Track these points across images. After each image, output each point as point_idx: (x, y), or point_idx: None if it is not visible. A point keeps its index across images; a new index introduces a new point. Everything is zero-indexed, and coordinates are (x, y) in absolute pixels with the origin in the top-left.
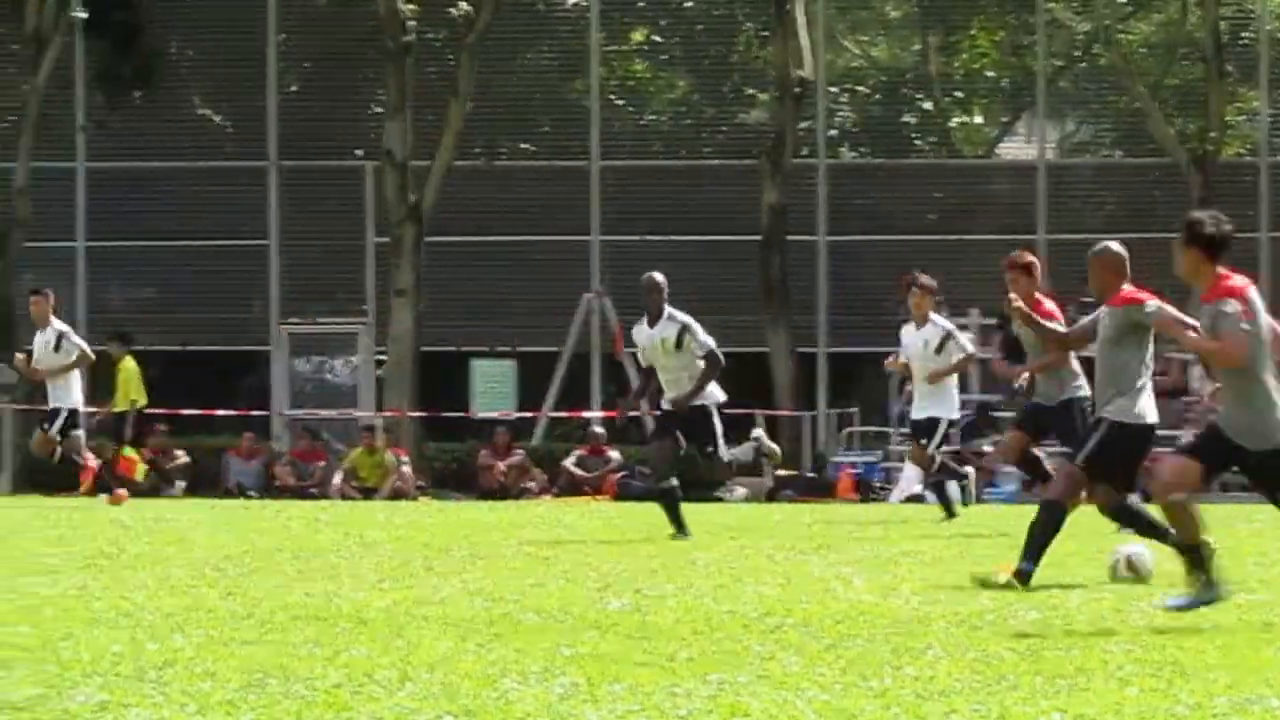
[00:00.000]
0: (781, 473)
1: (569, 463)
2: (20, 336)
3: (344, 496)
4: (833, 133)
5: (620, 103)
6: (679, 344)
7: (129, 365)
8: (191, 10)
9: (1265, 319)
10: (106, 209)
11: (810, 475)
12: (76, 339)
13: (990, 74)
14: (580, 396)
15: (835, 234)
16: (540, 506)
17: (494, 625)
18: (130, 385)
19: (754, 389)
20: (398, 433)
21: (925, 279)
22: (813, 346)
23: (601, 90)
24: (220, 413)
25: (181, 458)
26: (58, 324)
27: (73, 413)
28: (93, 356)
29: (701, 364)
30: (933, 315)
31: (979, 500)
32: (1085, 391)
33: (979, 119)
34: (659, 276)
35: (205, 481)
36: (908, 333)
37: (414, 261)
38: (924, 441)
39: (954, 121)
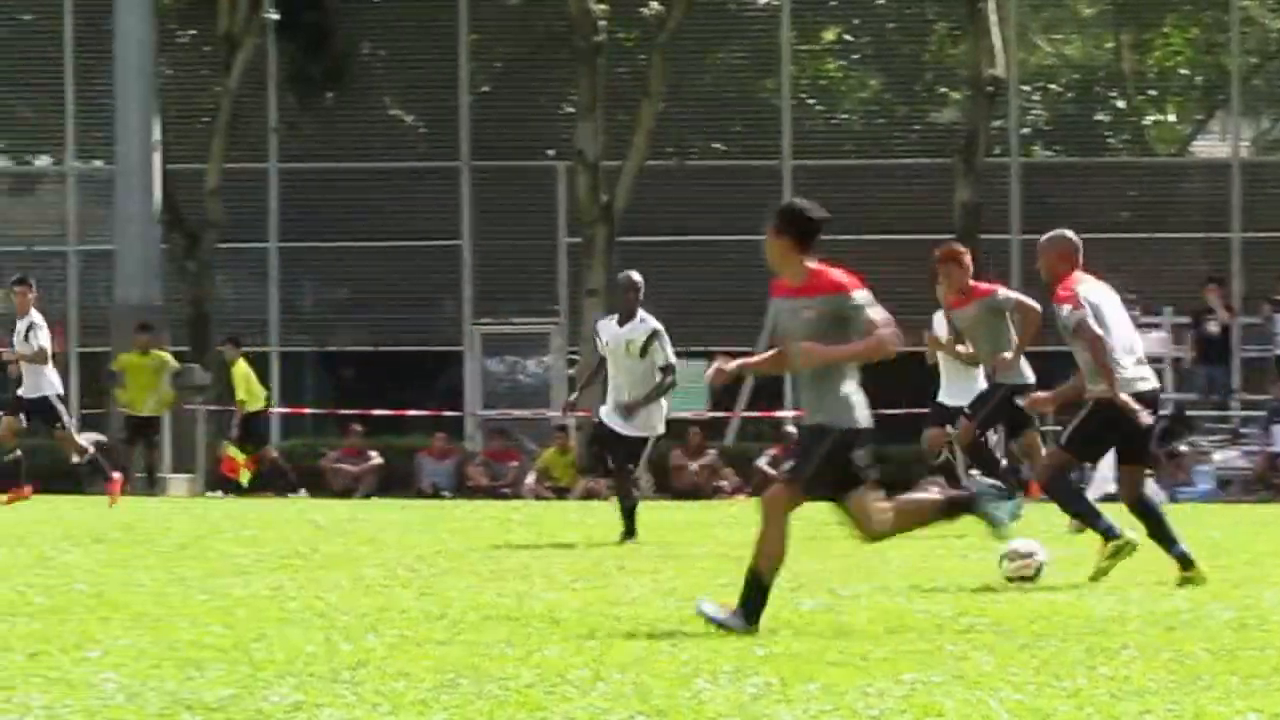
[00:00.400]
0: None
1: (762, 462)
2: (215, 337)
3: (537, 496)
4: (1025, 131)
5: (811, 102)
6: (644, 350)
7: (241, 368)
8: (383, 11)
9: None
10: (299, 210)
11: None
12: (44, 336)
13: (1184, 71)
14: (773, 396)
15: (1029, 232)
16: (733, 506)
17: (687, 625)
18: (240, 387)
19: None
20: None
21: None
22: None
23: (793, 89)
24: (412, 413)
25: (375, 459)
26: (35, 315)
27: (59, 399)
28: (49, 357)
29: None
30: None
31: (1173, 500)
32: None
33: (1172, 117)
34: (637, 276)
35: (398, 482)
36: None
37: (606, 261)
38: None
39: (1147, 119)
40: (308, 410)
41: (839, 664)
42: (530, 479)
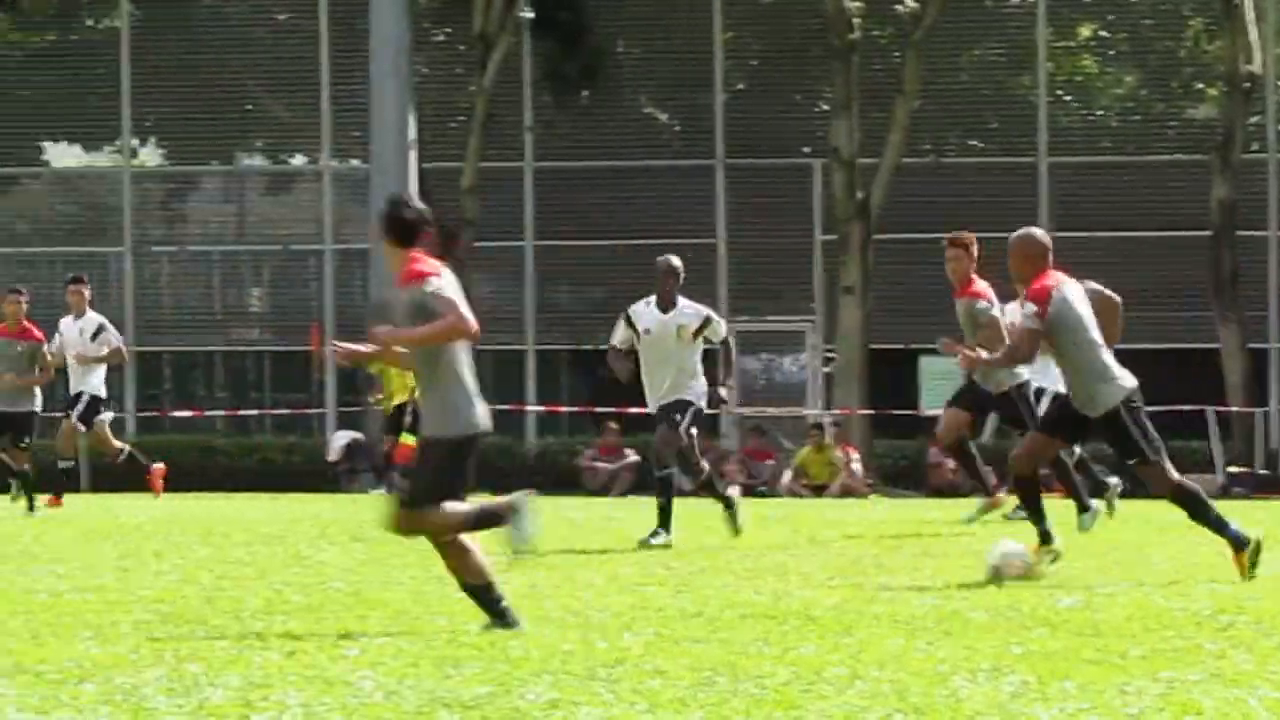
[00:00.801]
0: (1234, 470)
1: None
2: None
3: (793, 494)
4: None
5: (1068, 99)
6: (697, 333)
7: None
8: (637, 8)
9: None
10: (554, 209)
11: (1263, 472)
12: (116, 335)
13: None
14: None
15: None
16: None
17: (943, 623)
18: (408, 377)
19: (1203, 385)
20: (847, 430)
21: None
22: (1264, 343)
23: (1049, 86)
24: None
25: (631, 457)
26: (95, 315)
27: (95, 399)
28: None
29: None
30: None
31: None
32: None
33: None
34: (676, 261)
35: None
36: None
37: (861, 259)
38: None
39: None
40: (563, 409)
41: (1096, 662)
42: (787, 477)
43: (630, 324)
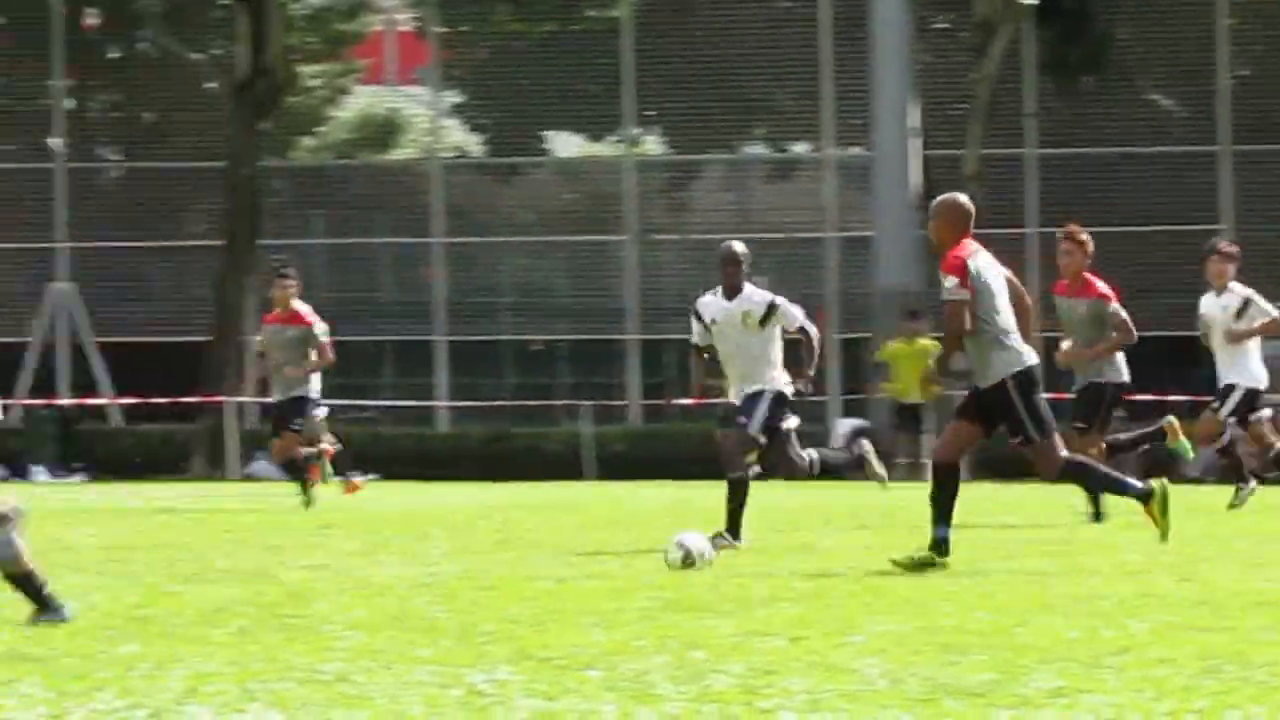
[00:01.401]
0: None
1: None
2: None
3: None
4: None
5: None
6: (764, 321)
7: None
8: None
9: None
10: (1058, 196)
11: None
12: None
13: None
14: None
15: None
16: None
17: None
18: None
19: None
20: None
21: (1226, 246)
22: None
23: None
24: (1173, 398)
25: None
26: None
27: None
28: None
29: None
30: (1233, 284)
31: None
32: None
33: None
34: (740, 246)
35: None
36: (1207, 301)
37: None
38: (1215, 406)
39: None
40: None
41: None
42: None
43: (699, 317)
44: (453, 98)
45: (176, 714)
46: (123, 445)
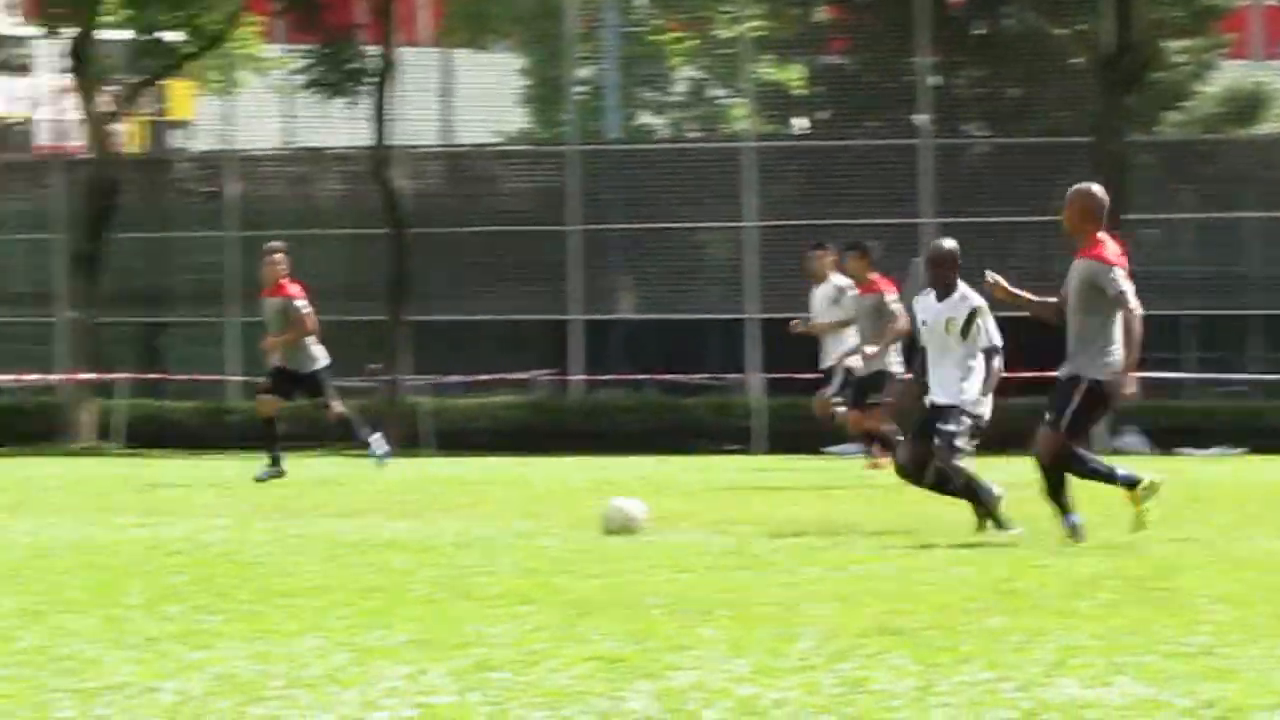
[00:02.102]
0: None
1: None
2: None
3: None
4: None
5: None
6: (965, 330)
7: None
8: None
9: None
10: None
11: None
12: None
13: None
14: None
15: None
16: None
17: None
18: None
19: None
20: None
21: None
22: None
23: None
24: None
25: None
26: (839, 279)
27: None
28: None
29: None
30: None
31: None
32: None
33: None
34: (950, 243)
35: None
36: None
37: None
38: None
39: None
40: None
41: None
42: None
43: (913, 314)
44: None
45: (1044, 686)
46: None
